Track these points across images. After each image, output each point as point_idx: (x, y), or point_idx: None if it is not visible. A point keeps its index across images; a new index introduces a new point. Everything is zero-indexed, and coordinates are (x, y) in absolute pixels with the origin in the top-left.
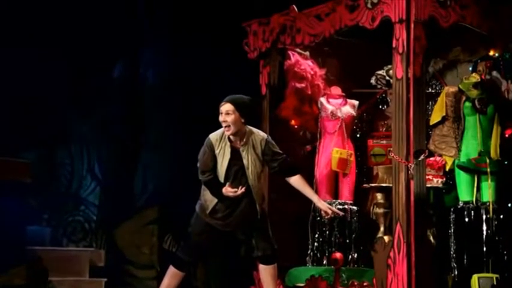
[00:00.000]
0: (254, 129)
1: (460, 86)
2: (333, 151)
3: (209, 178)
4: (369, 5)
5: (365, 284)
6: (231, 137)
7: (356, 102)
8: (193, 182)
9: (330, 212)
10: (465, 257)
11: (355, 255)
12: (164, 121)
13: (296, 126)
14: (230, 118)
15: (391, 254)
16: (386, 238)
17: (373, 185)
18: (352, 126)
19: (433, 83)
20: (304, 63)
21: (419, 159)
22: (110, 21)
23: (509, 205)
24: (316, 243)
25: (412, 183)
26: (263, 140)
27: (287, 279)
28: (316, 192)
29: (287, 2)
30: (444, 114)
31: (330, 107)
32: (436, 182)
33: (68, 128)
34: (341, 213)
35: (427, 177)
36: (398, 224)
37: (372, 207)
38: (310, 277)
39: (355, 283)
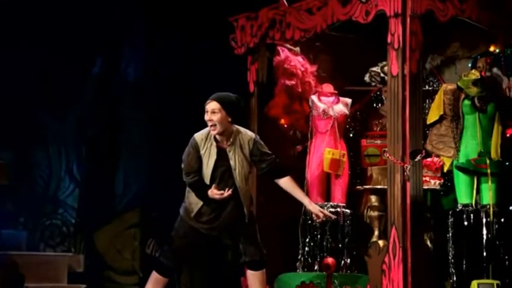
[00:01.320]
0: (241, 129)
1: (458, 83)
2: (325, 151)
3: (194, 180)
4: None
5: None
6: (217, 136)
7: (349, 101)
8: (177, 184)
9: (321, 215)
10: (464, 262)
11: (348, 261)
12: (146, 119)
13: (286, 126)
14: (216, 117)
15: (386, 259)
16: (381, 242)
17: (367, 187)
18: (344, 125)
19: (430, 80)
20: (294, 60)
21: (416, 160)
22: (88, 16)
23: (511, 208)
24: (307, 248)
25: (408, 185)
26: (251, 139)
27: (276, 285)
28: (307, 194)
29: None
30: (442, 112)
31: (321, 106)
32: (434, 183)
33: (45, 128)
34: (333, 216)
35: (424, 178)
36: (393, 228)
37: (365, 210)
38: (300, 283)
39: None
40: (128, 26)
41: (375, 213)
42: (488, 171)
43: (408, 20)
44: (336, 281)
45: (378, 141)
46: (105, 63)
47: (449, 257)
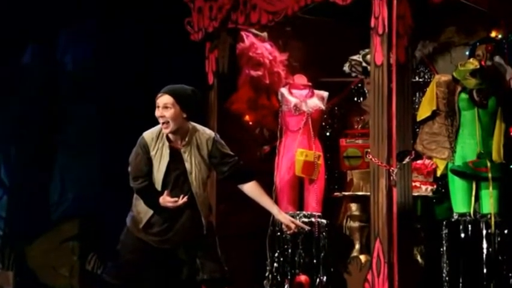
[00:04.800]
0: (199, 127)
1: (454, 74)
2: (297, 153)
3: (143, 185)
4: None
5: None
6: (170, 135)
7: (325, 94)
8: (124, 190)
9: (293, 226)
10: (461, 281)
11: (324, 279)
12: (87, 116)
13: (251, 123)
14: (169, 113)
15: (369, 277)
16: (362, 257)
17: (346, 193)
18: (320, 122)
19: (421, 70)
20: (260, 47)
21: (404, 162)
22: None
23: None
24: (276, 264)
25: (394, 191)
26: (210, 139)
27: None
28: (276, 202)
29: None
30: (435, 108)
31: (292, 100)
32: (425, 189)
33: None
34: (307, 227)
35: (413, 184)
36: (377, 241)
37: (345, 221)
38: None
39: None
40: (67, 9)
41: (355, 224)
42: (489, 175)
43: (395, 1)
44: None
45: (360, 141)
46: (41, 48)
47: (444, 275)
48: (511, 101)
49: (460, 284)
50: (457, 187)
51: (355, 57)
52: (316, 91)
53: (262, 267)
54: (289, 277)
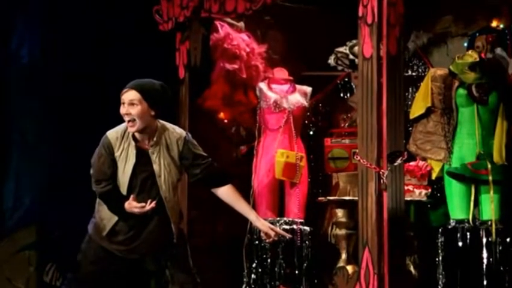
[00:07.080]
0: (168, 125)
1: (451, 67)
2: (277, 154)
3: (106, 189)
4: None
5: None
6: (137, 134)
7: (308, 89)
8: (85, 194)
9: (272, 233)
10: None
11: None
12: (44, 113)
13: (226, 121)
14: (135, 110)
15: None
16: (349, 268)
17: (331, 198)
18: (302, 120)
19: (414, 63)
20: (237, 38)
21: (396, 164)
22: None
23: None
24: (253, 275)
25: (385, 195)
26: (180, 138)
27: None
28: (254, 207)
29: None
30: (429, 104)
31: (272, 96)
32: (419, 194)
33: None
34: (288, 235)
35: (406, 187)
36: (366, 250)
37: (330, 228)
38: None
39: None
40: None
41: (342, 232)
42: (490, 178)
43: None
44: None
45: (346, 141)
46: None
47: (439, 287)
48: None
49: None
50: (454, 191)
51: (341, 49)
52: (298, 86)
53: (238, 279)
54: None
